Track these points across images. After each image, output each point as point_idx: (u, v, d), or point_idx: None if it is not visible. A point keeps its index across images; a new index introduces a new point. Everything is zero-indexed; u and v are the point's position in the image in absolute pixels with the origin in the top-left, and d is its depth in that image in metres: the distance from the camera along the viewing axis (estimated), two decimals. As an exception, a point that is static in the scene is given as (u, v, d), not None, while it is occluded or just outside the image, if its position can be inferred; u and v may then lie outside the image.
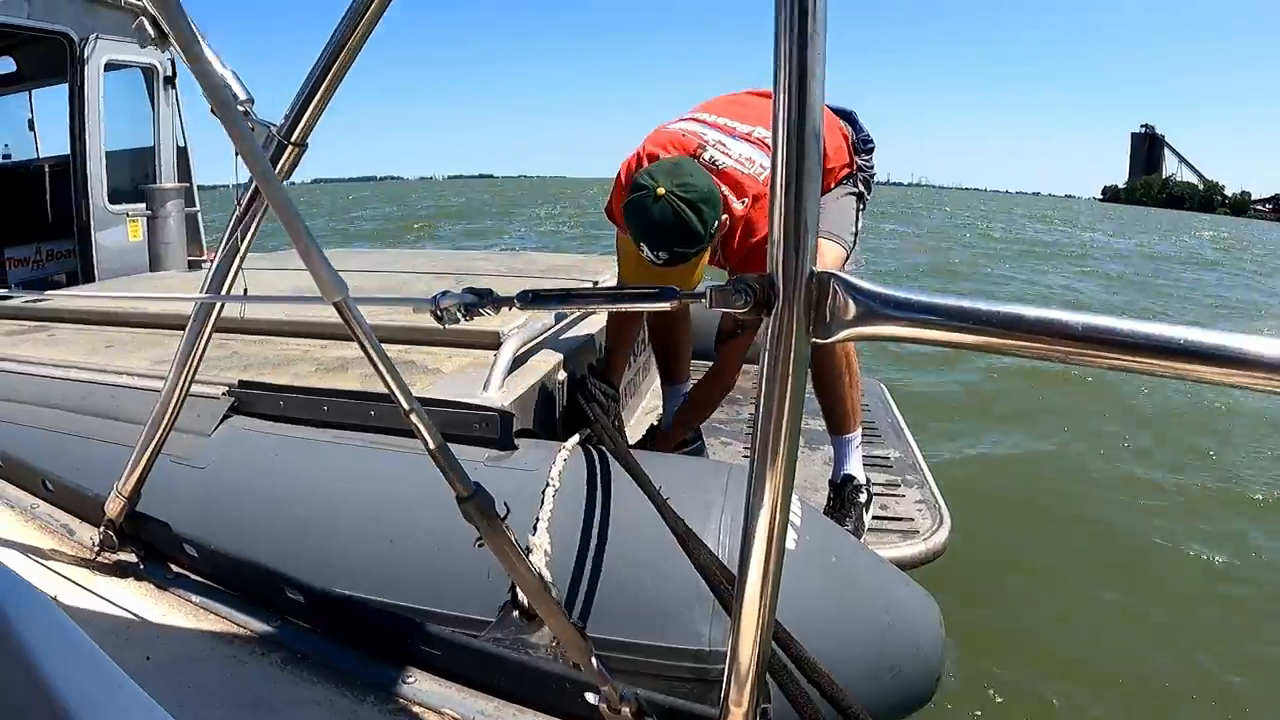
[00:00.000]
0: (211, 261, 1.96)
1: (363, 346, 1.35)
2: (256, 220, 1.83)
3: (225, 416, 2.64)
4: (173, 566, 2.19)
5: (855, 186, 3.41)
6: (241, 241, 1.85)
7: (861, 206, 3.44)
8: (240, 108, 1.60)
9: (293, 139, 1.64)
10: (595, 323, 3.70)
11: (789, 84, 0.97)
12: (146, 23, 1.50)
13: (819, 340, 1.03)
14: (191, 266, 6.60)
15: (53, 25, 6.66)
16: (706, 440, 3.97)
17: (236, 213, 1.83)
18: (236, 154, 1.64)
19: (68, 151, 7.22)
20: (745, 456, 3.66)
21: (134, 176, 7.49)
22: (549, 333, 3.21)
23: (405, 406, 1.38)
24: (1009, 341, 0.91)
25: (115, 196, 7.13)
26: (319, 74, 1.64)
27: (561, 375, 3.02)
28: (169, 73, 7.40)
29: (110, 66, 6.93)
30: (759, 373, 1.06)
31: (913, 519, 3.34)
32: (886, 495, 3.51)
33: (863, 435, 3.47)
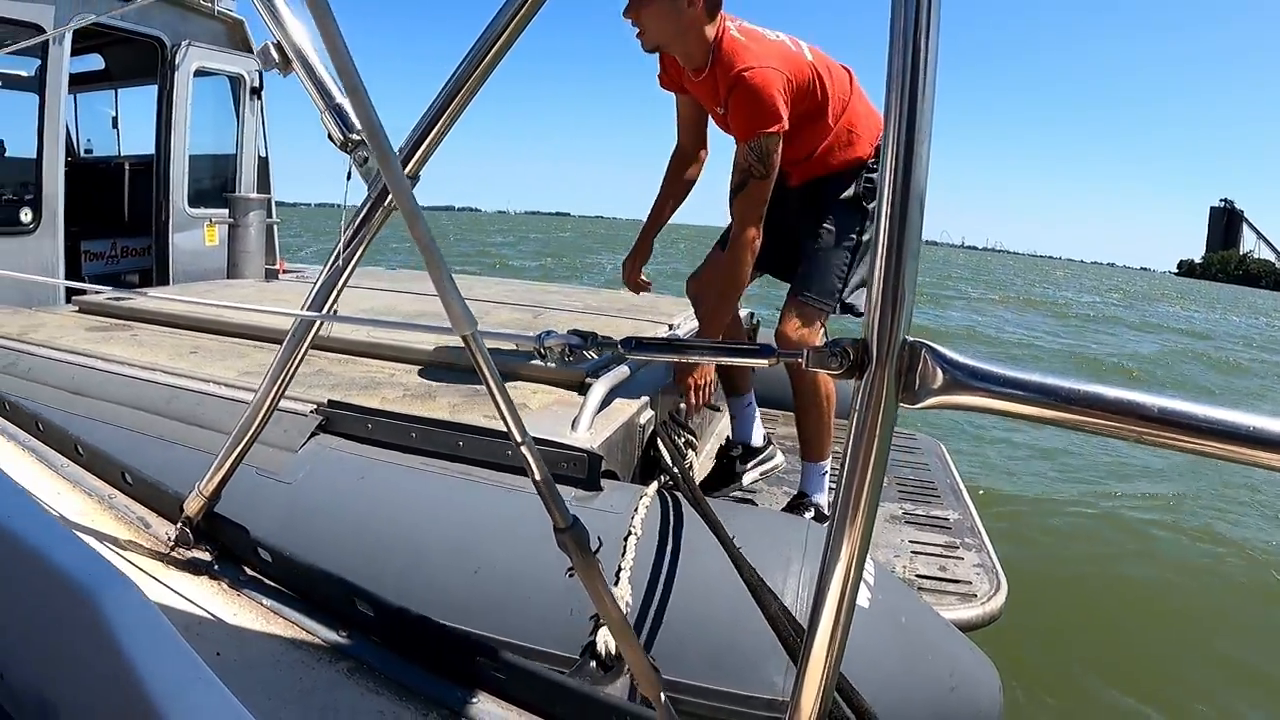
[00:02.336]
0: (317, 276, 1.99)
1: (484, 378, 1.37)
2: (366, 242, 1.87)
3: (313, 434, 2.69)
4: (245, 569, 2.22)
5: (857, 223, 3.44)
6: (349, 261, 1.89)
7: (860, 230, 3.46)
8: (355, 136, 1.64)
9: (406, 171, 1.66)
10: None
11: (896, 151, 1.01)
12: (272, 48, 1.54)
13: (907, 406, 1.05)
14: (268, 276, 6.68)
15: (146, 29, 6.82)
16: (769, 489, 3.99)
17: (346, 233, 1.87)
18: (348, 176, 1.68)
19: (149, 151, 7.37)
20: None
21: (214, 182, 7.62)
22: (634, 375, 3.25)
23: (518, 438, 1.40)
24: (1087, 419, 0.93)
25: (195, 200, 7.26)
26: (437, 110, 1.68)
27: (644, 418, 3.04)
28: (255, 83, 7.55)
29: (199, 73, 7.07)
30: (847, 432, 1.08)
31: (970, 582, 3.33)
32: (945, 557, 3.51)
33: (921, 495, 3.54)
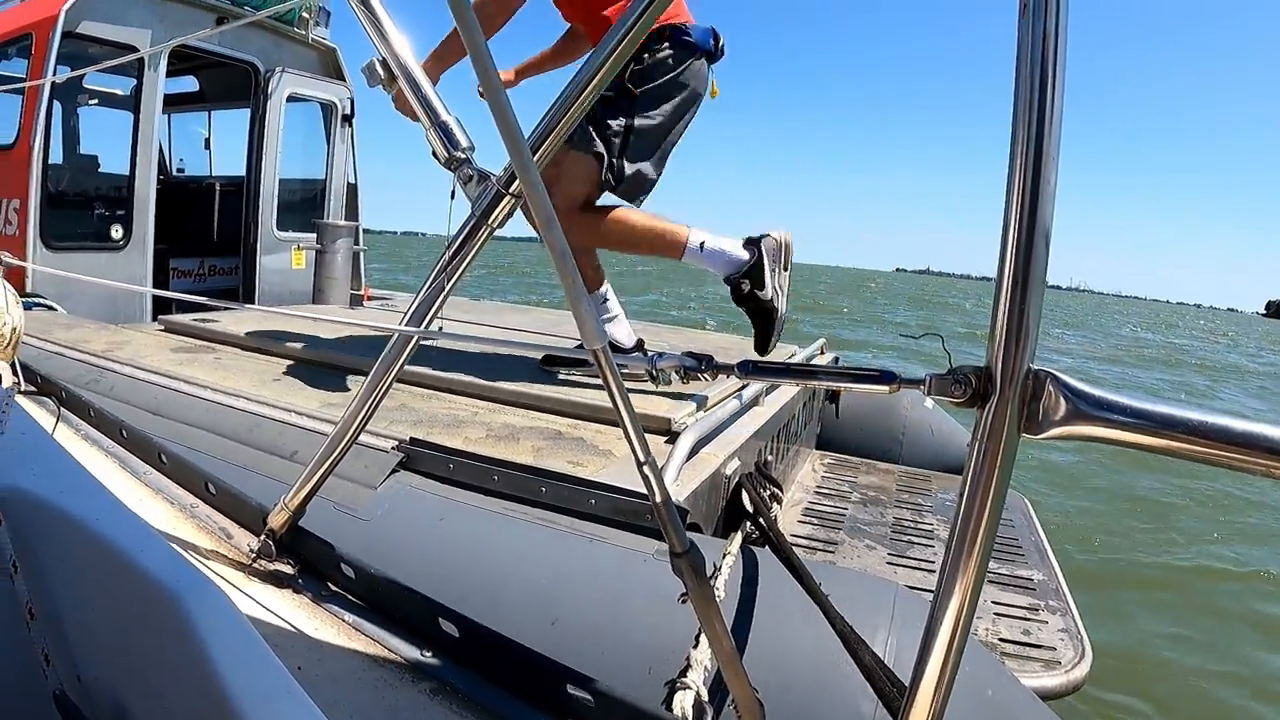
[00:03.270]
0: (414, 298, 1.96)
1: (612, 397, 1.35)
2: (468, 260, 1.85)
3: (393, 471, 2.65)
4: (328, 584, 2.23)
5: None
6: (448, 283, 1.87)
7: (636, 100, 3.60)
8: (460, 154, 1.62)
9: (511, 189, 1.65)
10: (763, 415, 3.67)
11: (1022, 180, 1.00)
12: (377, 65, 1.54)
13: (1029, 436, 1.04)
14: (354, 303, 6.74)
15: (241, 55, 7.01)
16: (849, 540, 3.91)
17: (448, 251, 1.85)
18: (452, 195, 1.67)
19: (239, 172, 7.54)
20: (890, 563, 3.59)
21: (303, 206, 7.77)
22: (721, 423, 3.18)
23: (641, 457, 1.40)
24: (1214, 452, 0.91)
25: (283, 223, 7.39)
26: (543, 130, 1.66)
27: (731, 468, 2.95)
28: (347, 110, 7.68)
29: (291, 99, 7.21)
30: (965, 465, 1.06)
31: (1055, 648, 3.22)
32: (1029, 620, 3.41)
33: (1006, 552, 3.53)
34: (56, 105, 6.38)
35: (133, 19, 6.18)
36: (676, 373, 1.28)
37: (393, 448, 2.72)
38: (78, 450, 2.81)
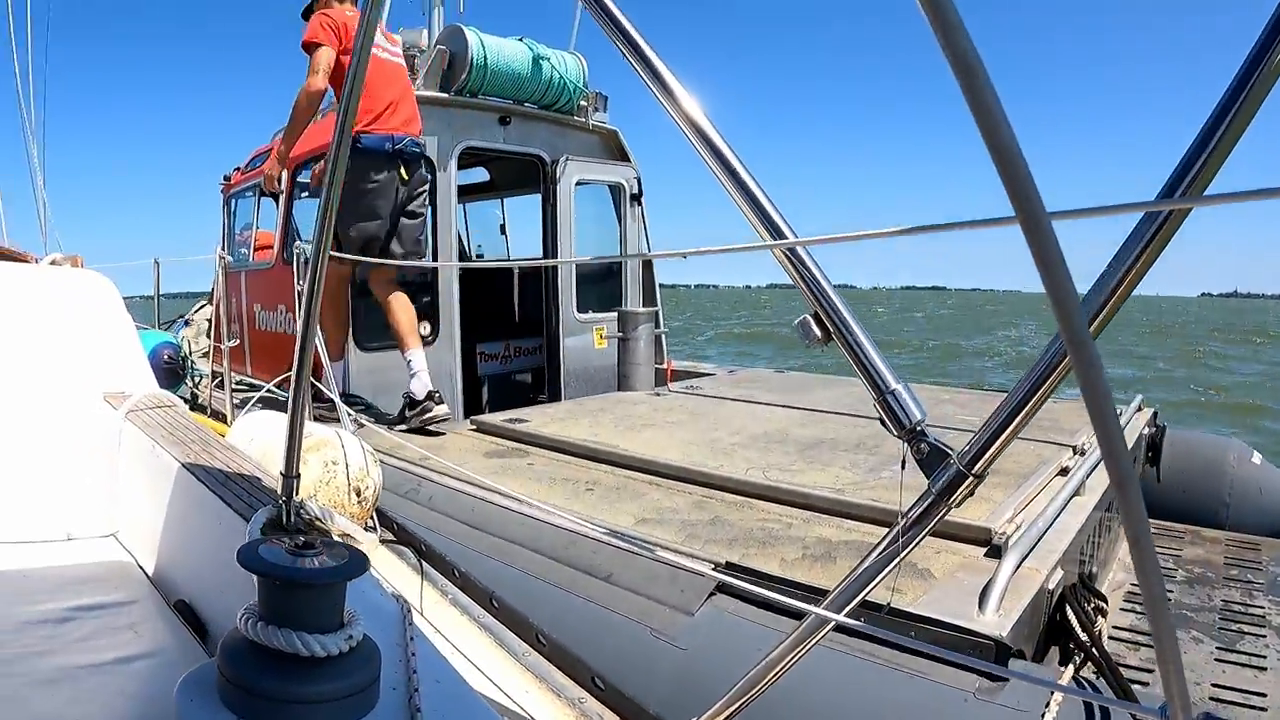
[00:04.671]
0: (848, 577, 1.77)
1: None
2: (914, 544, 1.63)
3: (710, 595, 2.67)
4: None
5: None
6: (890, 564, 1.55)
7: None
8: (917, 426, 1.48)
9: (974, 470, 1.43)
10: (1085, 507, 3.42)
11: None
12: (812, 322, 1.47)
13: None
14: (658, 380, 6.82)
15: (526, 149, 7.30)
16: (1176, 631, 3.68)
17: (897, 527, 1.61)
18: (902, 465, 1.53)
19: (535, 252, 7.88)
20: (1217, 659, 3.27)
21: (601, 287, 7.96)
22: (1043, 534, 3.01)
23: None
24: None
25: (583, 304, 7.59)
26: (1011, 410, 1.42)
27: (1054, 582, 2.79)
28: (635, 190, 7.87)
29: (579, 183, 7.44)
30: None
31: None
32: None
33: None
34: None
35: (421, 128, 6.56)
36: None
37: (709, 571, 2.72)
38: (450, 624, 2.94)
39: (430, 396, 5.47)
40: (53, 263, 4.42)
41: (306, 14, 6.05)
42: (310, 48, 5.58)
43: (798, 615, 2.47)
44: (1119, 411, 4.95)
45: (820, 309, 1.39)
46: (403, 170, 5.70)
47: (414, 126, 5.83)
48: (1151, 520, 4.97)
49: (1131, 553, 0.70)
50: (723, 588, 2.68)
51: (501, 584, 3.16)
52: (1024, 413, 1.37)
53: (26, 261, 4.51)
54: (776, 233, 1.40)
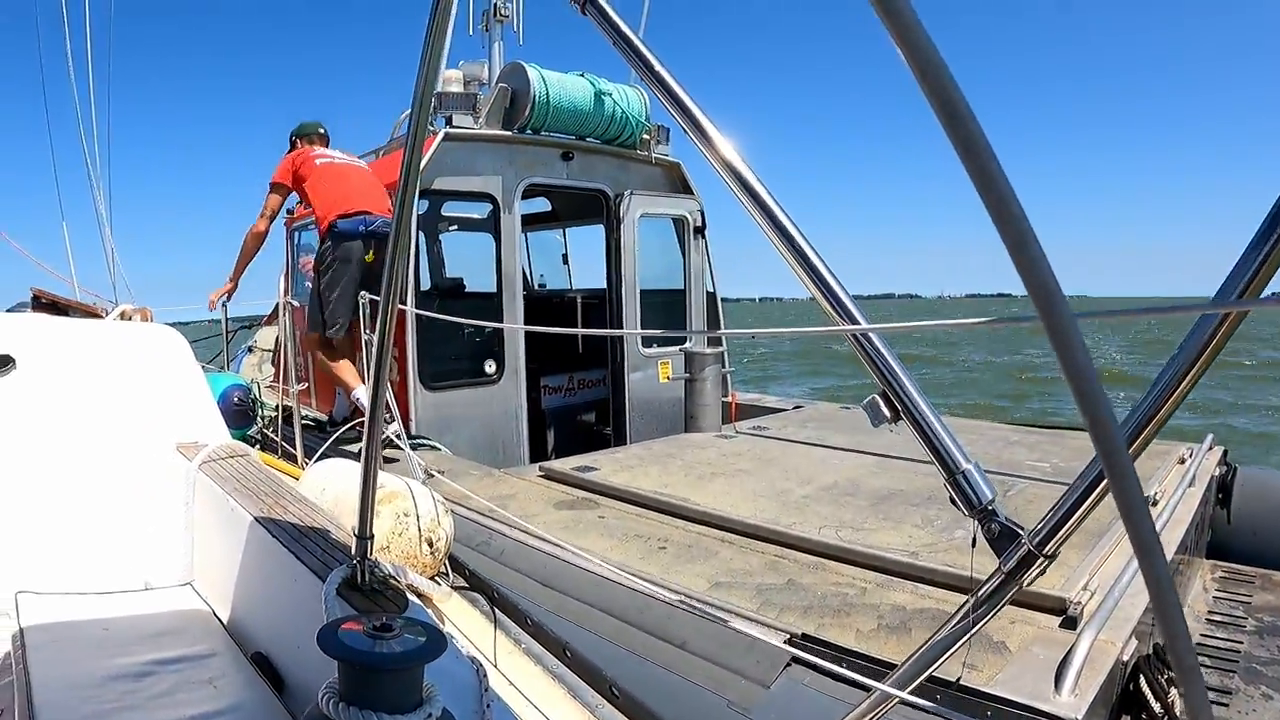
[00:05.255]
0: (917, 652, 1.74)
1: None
2: (984, 621, 1.63)
3: (786, 667, 2.67)
4: None
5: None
6: (963, 637, 1.61)
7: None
8: (989, 506, 1.47)
9: (1045, 550, 1.42)
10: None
11: None
12: (881, 402, 1.48)
13: None
14: (724, 414, 6.82)
15: (589, 184, 7.41)
16: (1244, 688, 3.60)
17: (965, 606, 1.51)
18: (973, 544, 1.53)
19: (598, 283, 7.93)
20: None
21: (666, 319, 8.00)
22: (1118, 602, 2.92)
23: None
24: None
25: (648, 340, 7.65)
26: (1085, 489, 1.43)
27: (1128, 655, 2.72)
28: (698, 223, 7.92)
29: (643, 216, 7.49)
30: None
31: None
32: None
33: None
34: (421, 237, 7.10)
35: (484, 166, 6.77)
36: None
37: (784, 642, 2.74)
38: (523, 675, 2.99)
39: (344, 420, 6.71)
40: (123, 315, 4.52)
41: (293, 144, 7.29)
42: (271, 187, 6.83)
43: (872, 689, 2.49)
44: (1190, 451, 4.91)
45: (889, 389, 1.42)
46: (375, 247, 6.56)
47: (380, 205, 6.60)
48: (1220, 563, 4.89)
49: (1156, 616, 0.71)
50: (797, 659, 2.68)
51: (574, 635, 3.20)
52: (1097, 492, 1.39)
53: (99, 316, 4.62)
54: (848, 317, 1.43)
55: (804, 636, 2.75)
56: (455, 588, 3.54)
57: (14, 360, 3.07)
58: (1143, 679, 2.70)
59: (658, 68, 1.38)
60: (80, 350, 3.34)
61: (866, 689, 2.48)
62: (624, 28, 1.36)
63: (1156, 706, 2.64)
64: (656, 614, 3.08)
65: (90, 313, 4.63)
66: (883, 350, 1.43)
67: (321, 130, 7.24)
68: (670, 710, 2.79)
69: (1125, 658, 2.71)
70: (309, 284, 6.81)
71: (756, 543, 3.73)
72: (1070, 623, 2.76)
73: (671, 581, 3.26)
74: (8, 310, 4.30)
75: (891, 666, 2.45)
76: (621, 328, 7.49)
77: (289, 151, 7.08)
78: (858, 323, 1.42)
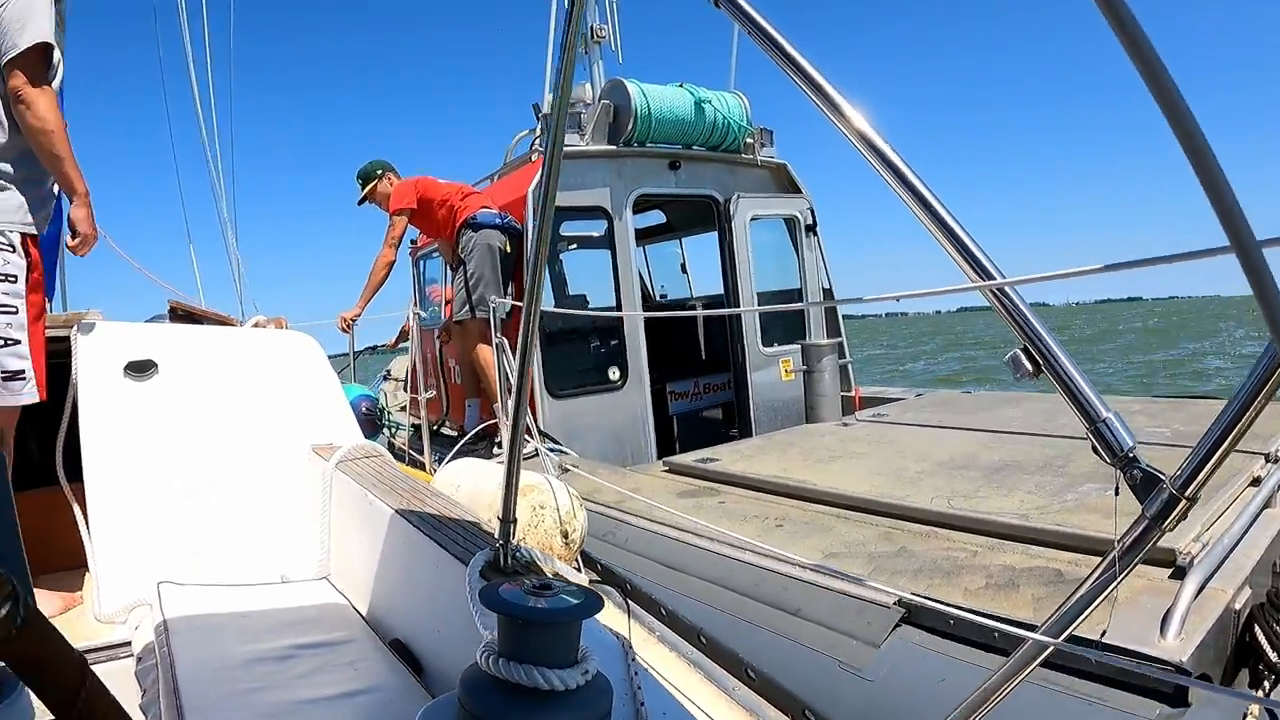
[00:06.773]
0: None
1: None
2: (1128, 570, 1.66)
3: (895, 627, 2.71)
4: None
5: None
6: (1108, 587, 1.56)
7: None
8: (1130, 453, 1.49)
9: (1186, 493, 1.33)
10: (1276, 518, 3.27)
11: None
12: (1022, 356, 1.49)
13: None
14: (845, 409, 6.89)
15: (697, 191, 7.51)
16: None
17: (1114, 553, 1.60)
18: (1115, 491, 1.56)
19: (718, 288, 8.00)
20: None
21: (784, 319, 8.04)
22: (1229, 551, 2.90)
23: None
24: None
25: (767, 338, 7.73)
26: (1224, 428, 1.44)
27: (1241, 602, 2.69)
28: (809, 221, 7.98)
29: (753, 219, 7.58)
30: None
31: None
32: None
33: None
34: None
35: (594, 180, 6.92)
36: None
37: (894, 603, 2.78)
38: (660, 660, 3.03)
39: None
40: (256, 324, 4.70)
41: (363, 182, 7.78)
42: (393, 214, 7.24)
43: (982, 645, 2.51)
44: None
45: (1029, 343, 1.44)
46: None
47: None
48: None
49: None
50: (906, 619, 2.73)
51: (704, 620, 3.28)
52: (1236, 429, 1.31)
53: (233, 325, 4.83)
54: (983, 273, 1.47)
55: (913, 595, 2.77)
56: (591, 582, 3.63)
57: (156, 365, 3.25)
58: (1258, 629, 2.64)
59: (790, 50, 1.44)
60: (219, 355, 3.53)
61: (976, 643, 2.53)
62: (756, 14, 1.42)
63: (1274, 655, 2.58)
64: (773, 585, 3.15)
65: (225, 322, 4.84)
66: (1021, 306, 1.45)
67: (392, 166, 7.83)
68: (784, 674, 2.84)
69: (1237, 606, 2.67)
70: (435, 307, 7.07)
71: (871, 516, 3.77)
72: (1179, 573, 2.72)
73: (786, 553, 3.31)
74: (146, 321, 4.51)
75: (999, 619, 2.47)
76: (742, 331, 7.55)
77: (366, 188, 7.73)
78: (991, 277, 1.46)
